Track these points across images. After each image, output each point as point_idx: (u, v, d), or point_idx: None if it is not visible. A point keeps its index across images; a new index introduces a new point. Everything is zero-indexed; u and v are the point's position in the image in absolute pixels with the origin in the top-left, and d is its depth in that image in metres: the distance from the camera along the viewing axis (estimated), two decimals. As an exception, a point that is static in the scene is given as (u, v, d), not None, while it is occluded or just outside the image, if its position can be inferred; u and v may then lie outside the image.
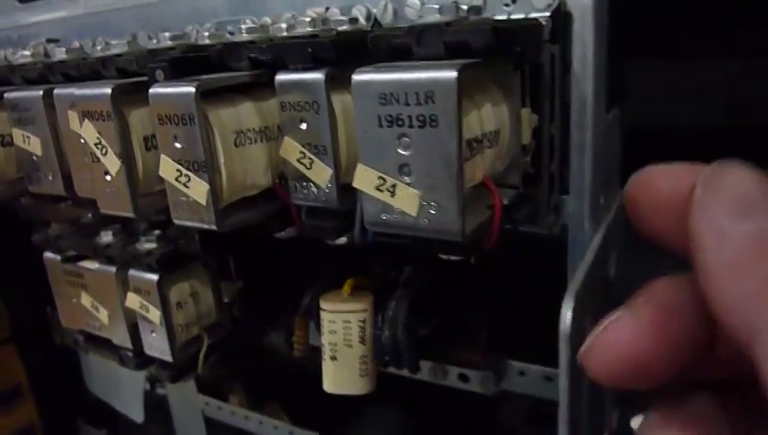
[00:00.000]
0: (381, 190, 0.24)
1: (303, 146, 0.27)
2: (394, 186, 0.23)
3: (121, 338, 0.44)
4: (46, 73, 0.37)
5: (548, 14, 0.27)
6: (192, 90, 0.26)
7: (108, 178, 0.30)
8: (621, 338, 0.16)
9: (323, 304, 0.37)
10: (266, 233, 0.32)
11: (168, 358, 0.41)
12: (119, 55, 0.34)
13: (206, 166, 0.27)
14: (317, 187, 0.28)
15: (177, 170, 0.27)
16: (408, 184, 0.23)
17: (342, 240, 0.29)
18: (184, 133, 0.27)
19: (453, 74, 0.21)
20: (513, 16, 0.28)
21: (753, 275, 0.13)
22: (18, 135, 0.36)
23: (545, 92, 0.27)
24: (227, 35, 0.33)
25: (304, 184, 0.28)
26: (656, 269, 0.18)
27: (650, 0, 0.39)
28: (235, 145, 0.28)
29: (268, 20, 0.34)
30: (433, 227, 0.23)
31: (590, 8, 0.27)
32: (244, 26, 0.31)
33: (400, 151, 0.23)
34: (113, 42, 0.35)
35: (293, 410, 0.63)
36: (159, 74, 0.28)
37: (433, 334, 0.38)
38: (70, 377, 0.80)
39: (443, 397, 0.47)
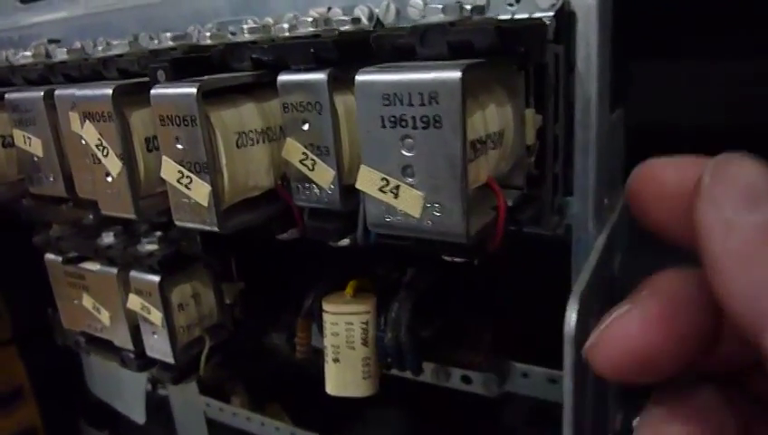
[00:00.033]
0: (384, 192, 0.23)
1: (306, 147, 0.27)
2: (397, 187, 0.23)
3: (123, 340, 0.44)
4: (47, 74, 0.37)
5: (552, 13, 0.27)
6: (194, 90, 0.26)
7: (109, 179, 0.30)
8: (628, 332, 0.16)
9: (326, 306, 0.37)
10: (268, 235, 0.32)
11: (170, 360, 0.41)
12: (120, 56, 0.34)
13: (207, 167, 0.27)
14: (319, 188, 0.27)
15: (179, 172, 0.27)
16: (412, 185, 0.23)
17: (345, 242, 0.29)
18: (185, 134, 0.27)
19: (457, 75, 0.21)
20: (517, 16, 0.28)
21: (762, 264, 0.14)
22: (19, 136, 0.36)
23: (549, 93, 0.27)
24: (229, 36, 0.33)
25: (307, 185, 0.28)
26: (660, 268, 0.18)
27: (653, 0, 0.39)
28: (237, 146, 0.28)
29: (270, 20, 0.34)
30: (437, 229, 0.23)
31: (595, 8, 0.27)
32: (245, 26, 0.31)
33: (404, 152, 0.23)
34: (114, 42, 0.35)
35: (295, 411, 0.63)
36: (161, 75, 0.28)
37: (436, 336, 0.38)
38: (71, 378, 0.80)
39: (445, 399, 0.47)
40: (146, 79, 0.29)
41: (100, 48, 0.36)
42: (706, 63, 0.42)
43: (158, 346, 0.42)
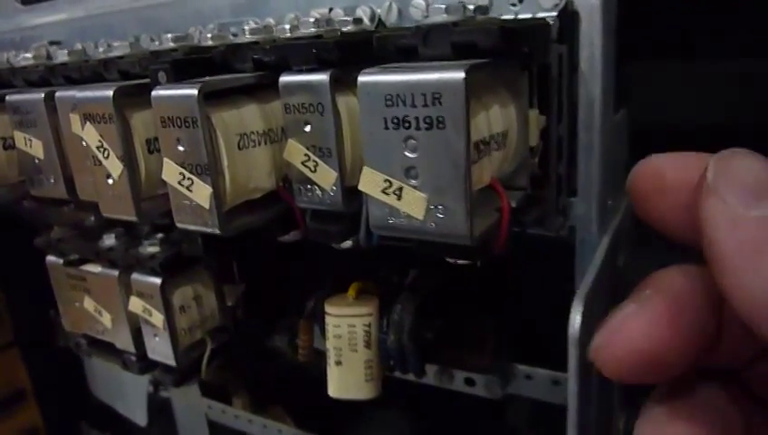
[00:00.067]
0: (387, 193, 0.23)
1: (308, 148, 0.27)
2: (400, 189, 0.23)
3: (124, 342, 0.43)
4: (48, 76, 0.37)
5: (555, 13, 0.26)
6: (195, 92, 0.26)
7: (110, 181, 0.30)
8: (634, 332, 0.16)
9: (328, 309, 0.37)
10: (270, 236, 0.32)
11: (172, 362, 0.41)
12: (121, 57, 0.34)
13: (209, 169, 0.26)
14: (322, 190, 0.27)
15: (180, 174, 0.27)
16: (415, 187, 0.23)
17: (347, 244, 0.29)
18: (187, 136, 0.26)
19: (460, 75, 0.21)
20: (521, 16, 0.27)
21: None
22: (20, 138, 0.36)
23: (553, 93, 0.27)
24: (230, 37, 0.33)
25: (309, 187, 0.28)
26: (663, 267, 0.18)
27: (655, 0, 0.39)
28: (239, 148, 0.27)
29: (271, 21, 0.34)
30: (440, 231, 0.23)
31: (598, 8, 0.26)
32: (247, 27, 0.31)
33: (407, 154, 0.22)
34: (115, 44, 0.35)
35: (297, 413, 0.63)
36: (162, 76, 0.28)
37: (439, 338, 0.38)
38: (73, 380, 0.80)
39: (448, 400, 0.47)
40: (147, 80, 0.29)
41: (100, 50, 0.35)
42: (708, 64, 0.42)
43: (160, 348, 0.41)
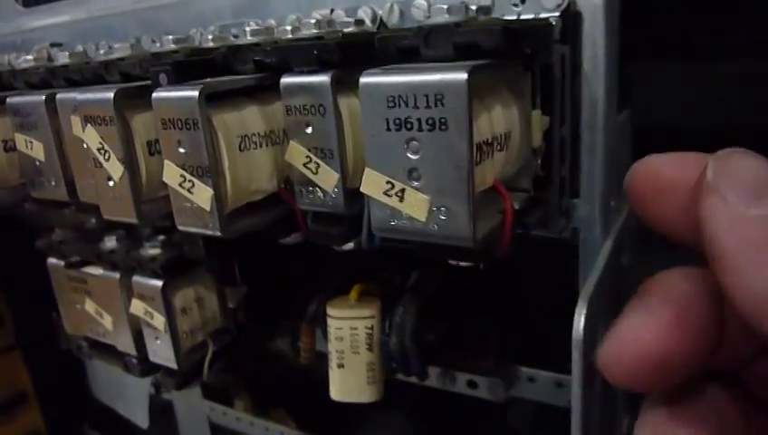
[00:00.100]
0: (390, 195, 0.23)
1: (309, 150, 0.27)
2: (403, 191, 0.23)
3: (126, 345, 0.43)
4: (49, 78, 0.37)
5: (558, 14, 0.26)
6: (195, 94, 0.25)
7: (111, 183, 0.30)
8: (642, 339, 0.16)
9: (330, 311, 0.37)
10: (271, 239, 0.32)
11: (173, 365, 0.41)
12: (122, 59, 0.34)
13: (210, 171, 0.26)
14: (323, 192, 0.27)
15: (181, 176, 0.27)
16: (417, 189, 0.22)
17: (349, 246, 0.29)
18: (188, 138, 0.26)
19: (463, 76, 0.20)
20: (523, 17, 0.27)
21: None
22: (21, 140, 0.36)
23: (556, 94, 0.27)
24: (231, 38, 0.33)
25: (310, 189, 0.27)
26: (665, 268, 0.18)
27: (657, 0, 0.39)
28: (240, 150, 0.27)
29: (273, 22, 0.34)
30: (443, 233, 0.23)
31: (601, 8, 0.26)
32: (248, 29, 0.30)
33: (409, 155, 0.22)
34: (116, 45, 0.35)
35: (299, 415, 0.63)
36: (163, 78, 0.28)
37: (441, 340, 0.38)
38: (75, 383, 0.80)
39: (451, 403, 0.47)
40: (148, 82, 0.28)
41: (102, 51, 0.35)
42: (708, 64, 0.42)
43: (161, 351, 0.41)
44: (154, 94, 0.27)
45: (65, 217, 0.40)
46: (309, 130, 0.26)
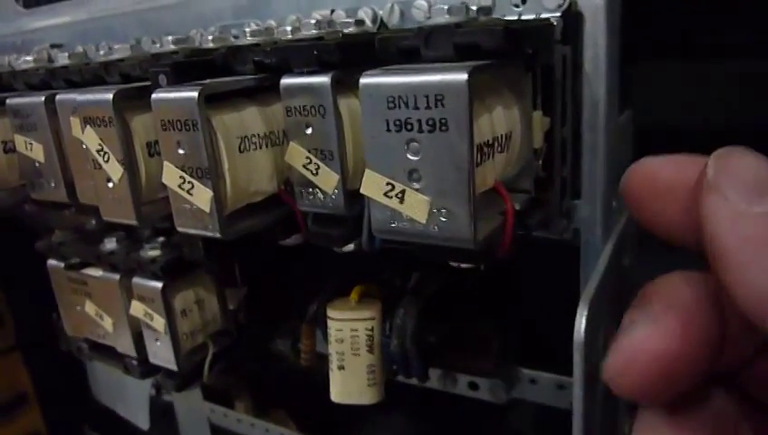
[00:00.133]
0: (390, 197, 0.23)
1: (309, 151, 0.27)
2: (403, 192, 0.23)
3: (126, 346, 0.43)
4: (49, 79, 0.37)
5: (559, 14, 0.26)
6: (195, 95, 0.25)
7: (110, 184, 0.30)
8: (648, 349, 0.16)
9: (330, 312, 0.37)
10: (271, 240, 0.31)
11: (173, 367, 0.41)
12: (122, 60, 0.34)
13: (209, 172, 0.26)
14: (323, 193, 0.27)
15: (181, 177, 0.27)
16: (418, 190, 0.22)
17: (350, 247, 0.29)
18: (187, 139, 0.26)
19: (463, 77, 0.20)
20: (524, 17, 0.27)
21: None
22: (20, 141, 0.36)
23: (557, 94, 0.27)
24: (231, 39, 0.33)
25: (310, 190, 0.27)
26: (667, 270, 0.17)
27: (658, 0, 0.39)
28: (240, 151, 0.27)
29: (273, 23, 0.34)
30: (443, 235, 0.22)
31: (602, 8, 0.26)
32: (248, 29, 0.30)
33: (409, 157, 0.22)
34: (116, 46, 0.35)
35: (300, 417, 0.63)
36: (162, 79, 0.27)
37: (442, 342, 0.38)
38: (75, 384, 0.80)
39: (451, 405, 0.46)
40: (148, 83, 0.28)
41: (101, 52, 0.35)
42: (708, 64, 0.42)
43: (162, 353, 0.41)
44: (153, 95, 0.27)
45: (65, 219, 0.40)
46: (309, 130, 0.26)
